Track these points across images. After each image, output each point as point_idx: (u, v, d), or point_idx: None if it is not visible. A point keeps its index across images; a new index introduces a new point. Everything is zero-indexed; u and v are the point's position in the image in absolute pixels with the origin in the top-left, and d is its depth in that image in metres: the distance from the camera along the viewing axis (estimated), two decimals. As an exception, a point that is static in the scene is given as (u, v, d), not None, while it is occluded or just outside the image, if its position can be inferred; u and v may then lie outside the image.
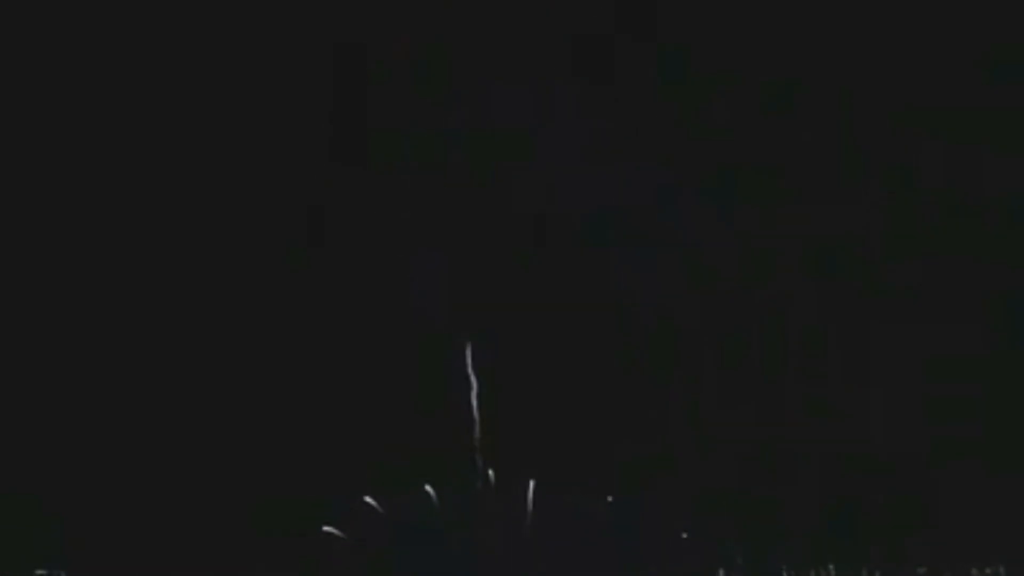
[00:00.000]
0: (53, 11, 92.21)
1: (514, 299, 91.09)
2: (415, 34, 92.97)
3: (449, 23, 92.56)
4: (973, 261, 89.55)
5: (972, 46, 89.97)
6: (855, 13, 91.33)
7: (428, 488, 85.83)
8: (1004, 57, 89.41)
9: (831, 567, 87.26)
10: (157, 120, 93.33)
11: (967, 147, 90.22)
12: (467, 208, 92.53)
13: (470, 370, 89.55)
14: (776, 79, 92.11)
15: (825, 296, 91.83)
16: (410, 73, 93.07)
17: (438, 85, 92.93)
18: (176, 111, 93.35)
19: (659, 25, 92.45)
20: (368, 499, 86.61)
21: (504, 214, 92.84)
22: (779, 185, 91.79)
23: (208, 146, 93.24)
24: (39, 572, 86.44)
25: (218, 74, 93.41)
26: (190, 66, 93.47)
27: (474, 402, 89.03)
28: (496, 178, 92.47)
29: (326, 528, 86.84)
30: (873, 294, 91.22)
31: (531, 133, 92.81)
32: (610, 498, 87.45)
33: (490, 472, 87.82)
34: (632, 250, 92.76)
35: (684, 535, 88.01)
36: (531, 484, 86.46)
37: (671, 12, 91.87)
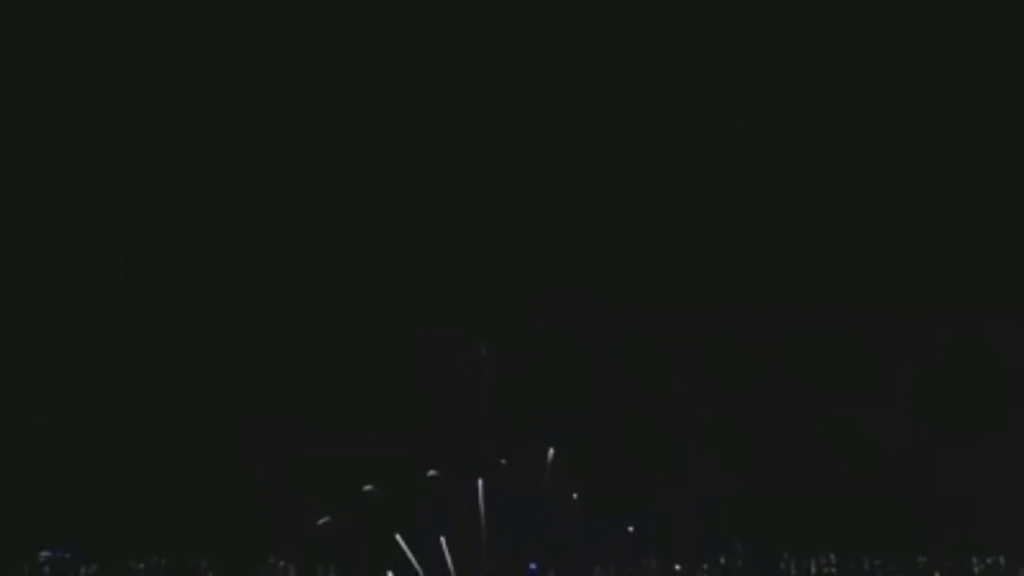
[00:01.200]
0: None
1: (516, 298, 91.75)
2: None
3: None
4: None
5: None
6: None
7: (433, 472, 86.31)
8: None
9: (832, 556, 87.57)
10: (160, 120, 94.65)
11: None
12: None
13: (483, 364, 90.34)
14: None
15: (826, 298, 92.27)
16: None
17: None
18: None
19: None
20: (370, 487, 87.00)
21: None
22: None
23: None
24: (44, 553, 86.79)
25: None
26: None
27: (487, 395, 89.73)
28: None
29: (322, 520, 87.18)
30: (873, 294, 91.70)
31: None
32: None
33: (502, 461, 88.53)
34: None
35: (683, 532, 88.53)
36: (551, 452, 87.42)
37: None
